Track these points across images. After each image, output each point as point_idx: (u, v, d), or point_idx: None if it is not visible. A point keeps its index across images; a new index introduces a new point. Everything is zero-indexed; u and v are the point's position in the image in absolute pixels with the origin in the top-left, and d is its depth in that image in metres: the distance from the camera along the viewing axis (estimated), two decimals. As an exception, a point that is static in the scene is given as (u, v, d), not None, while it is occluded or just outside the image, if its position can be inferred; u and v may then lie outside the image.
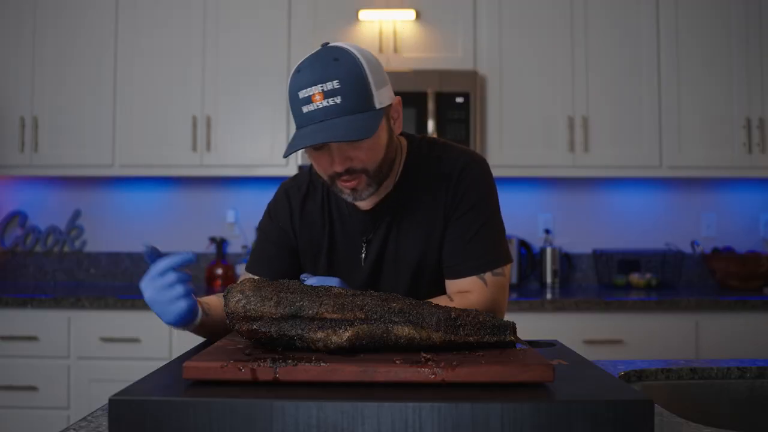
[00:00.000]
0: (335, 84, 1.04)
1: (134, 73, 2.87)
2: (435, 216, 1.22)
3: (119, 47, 2.87)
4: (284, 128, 2.84)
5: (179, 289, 0.98)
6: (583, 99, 2.84)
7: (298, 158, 2.77)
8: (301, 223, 1.28)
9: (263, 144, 2.84)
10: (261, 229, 1.34)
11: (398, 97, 1.18)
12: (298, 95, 1.08)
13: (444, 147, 1.26)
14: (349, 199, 1.17)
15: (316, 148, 1.12)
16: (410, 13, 2.82)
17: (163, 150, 2.85)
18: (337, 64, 1.06)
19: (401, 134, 1.27)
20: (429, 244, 1.22)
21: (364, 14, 2.83)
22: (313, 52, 1.11)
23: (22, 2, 2.88)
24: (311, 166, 1.31)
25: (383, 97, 1.11)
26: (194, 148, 2.84)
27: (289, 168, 2.82)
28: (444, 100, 2.73)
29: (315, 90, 1.05)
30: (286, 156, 1.08)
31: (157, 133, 2.86)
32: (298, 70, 1.09)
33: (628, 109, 2.84)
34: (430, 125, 2.71)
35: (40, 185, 3.21)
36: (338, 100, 1.04)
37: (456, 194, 1.20)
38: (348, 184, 1.13)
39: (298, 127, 1.10)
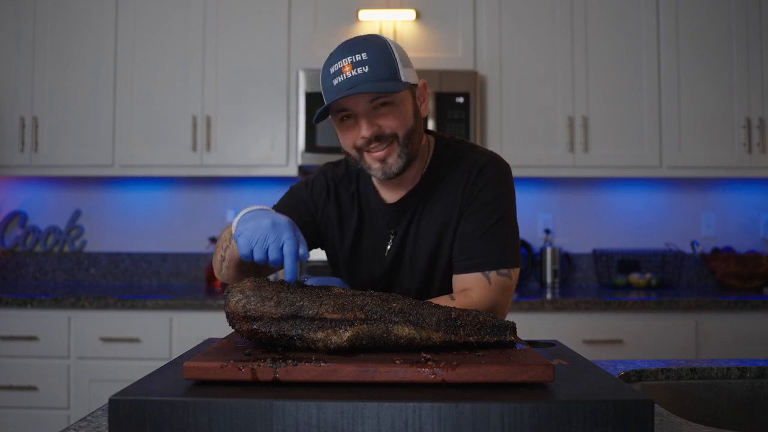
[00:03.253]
0: (363, 56, 1.11)
1: (134, 73, 2.87)
2: (451, 212, 1.24)
3: (119, 47, 2.87)
4: (284, 128, 2.84)
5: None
6: (583, 99, 2.84)
7: (298, 158, 2.77)
8: (332, 203, 1.32)
9: (263, 144, 2.84)
10: (293, 191, 1.37)
11: (424, 81, 1.23)
12: (329, 71, 1.14)
13: (468, 147, 1.29)
14: (378, 173, 1.18)
15: (343, 120, 1.17)
16: (410, 13, 2.82)
17: (163, 150, 2.85)
18: (365, 41, 1.14)
19: (429, 133, 1.31)
20: (443, 240, 1.25)
21: (364, 14, 2.83)
22: None
23: (22, 2, 2.88)
24: (346, 158, 1.32)
25: (408, 75, 1.17)
26: (194, 148, 2.84)
27: (289, 168, 2.82)
28: (444, 100, 2.73)
29: (345, 62, 1.11)
30: (316, 122, 1.15)
31: (157, 133, 2.86)
32: (330, 55, 1.16)
33: (628, 109, 2.84)
34: (430, 125, 2.71)
35: (40, 185, 3.21)
36: (366, 69, 1.11)
37: (472, 192, 1.23)
38: (377, 153, 1.16)
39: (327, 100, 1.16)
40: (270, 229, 0.97)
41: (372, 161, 1.17)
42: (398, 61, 1.14)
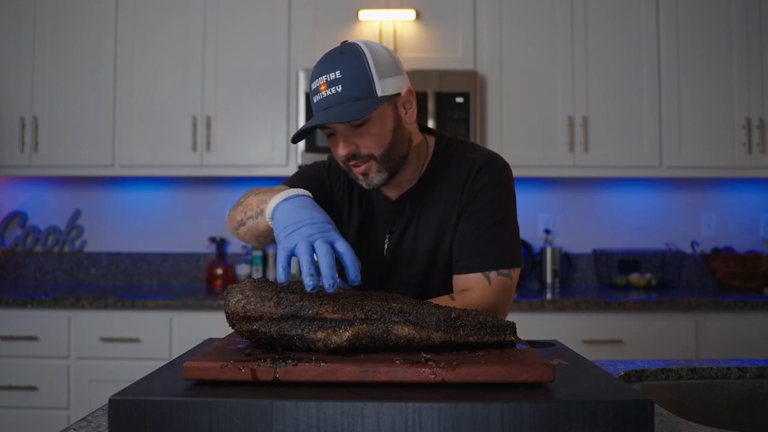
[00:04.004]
0: (337, 74, 1.11)
1: (134, 73, 2.87)
2: (450, 212, 1.24)
3: (119, 47, 2.87)
4: (284, 128, 2.84)
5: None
6: (583, 99, 2.84)
7: (298, 158, 2.77)
8: (346, 187, 1.33)
9: (263, 144, 2.84)
10: (316, 165, 1.39)
11: (408, 87, 1.21)
12: (311, 87, 1.15)
13: (469, 147, 1.28)
14: (363, 185, 1.21)
15: (329, 135, 1.18)
16: (410, 13, 2.82)
17: (163, 150, 2.85)
18: (341, 56, 1.13)
19: (431, 132, 1.31)
20: (441, 240, 1.24)
21: (364, 14, 2.83)
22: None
23: (22, 2, 2.88)
24: None
25: (388, 86, 1.14)
26: (194, 148, 2.84)
27: (289, 168, 2.82)
28: (444, 100, 2.73)
29: (321, 81, 1.12)
30: (294, 142, 1.18)
31: (157, 133, 2.86)
32: (314, 67, 1.16)
33: (628, 109, 2.84)
34: (430, 125, 2.70)
35: (40, 185, 3.21)
36: (339, 88, 1.10)
37: (471, 192, 1.22)
38: (357, 169, 1.18)
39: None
40: (317, 234, 0.93)
41: (356, 174, 1.19)
42: (374, 74, 1.12)
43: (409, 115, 1.21)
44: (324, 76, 1.11)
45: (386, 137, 1.16)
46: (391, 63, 1.16)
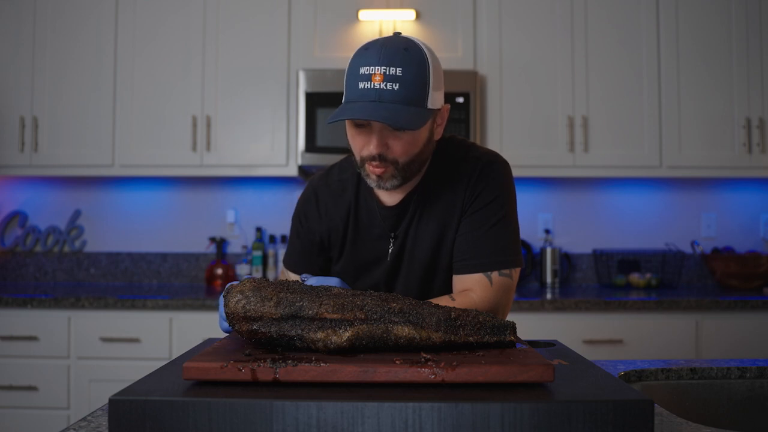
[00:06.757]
0: (398, 71, 1.07)
1: (134, 73, 2.87)
2: (452, 213, 1.23)
3: (119, 47, 2.87)
4: (284, 128, 2.84)
5: None
6: (583, 99, 2.84)
7: (298, 158, 2.76)
8: (326, 223, 1.31)
9: (263, 144, 2.84)
10: (293, 222, 1.38)
11: (447, 105, 1.21)
12: (358, 70, 1.10)
13: (469, 147, 1.28)
14: (373, 184, 1.19)
15: (358, 125, 1.15)
16: (410, 13, 2.82)
17: (163, 150, 2.85)
18: (406, 54, 1.09)
19: None
20: (443, 241, 1.24)
21: (364, 14, 2.83)
22: (387, 36, 1.15)
23: (22, 2, 2.88)
24: (340, 163, 1.33)
25: (436, 99, 1.14)
26: (194, 148, 2.84)
27: (289, 168, 2.82)
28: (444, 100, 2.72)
29: (378, 70, 1.07)
30: (329, 122, 1.12)
31: (157, 133, 2.86)
32: (366, 48, 1.12)
33: (628, 109, 2.84)
34: (430, 125, 2.70)
35: (40, 185, 3.21)
36: (396, 86, 1.07)
37: (473, 192, 1.22)
38: (376, 169, 1.15)
39: (347, 101, 1.12)
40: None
41: (371, 171, 1.17)
42: (431, 85, 1.10)
43: (438, 132, 1.21)
44: (384, 67, 1.07)
45: (416, 148, 1.15)
46: (441, 75, 1.16)
